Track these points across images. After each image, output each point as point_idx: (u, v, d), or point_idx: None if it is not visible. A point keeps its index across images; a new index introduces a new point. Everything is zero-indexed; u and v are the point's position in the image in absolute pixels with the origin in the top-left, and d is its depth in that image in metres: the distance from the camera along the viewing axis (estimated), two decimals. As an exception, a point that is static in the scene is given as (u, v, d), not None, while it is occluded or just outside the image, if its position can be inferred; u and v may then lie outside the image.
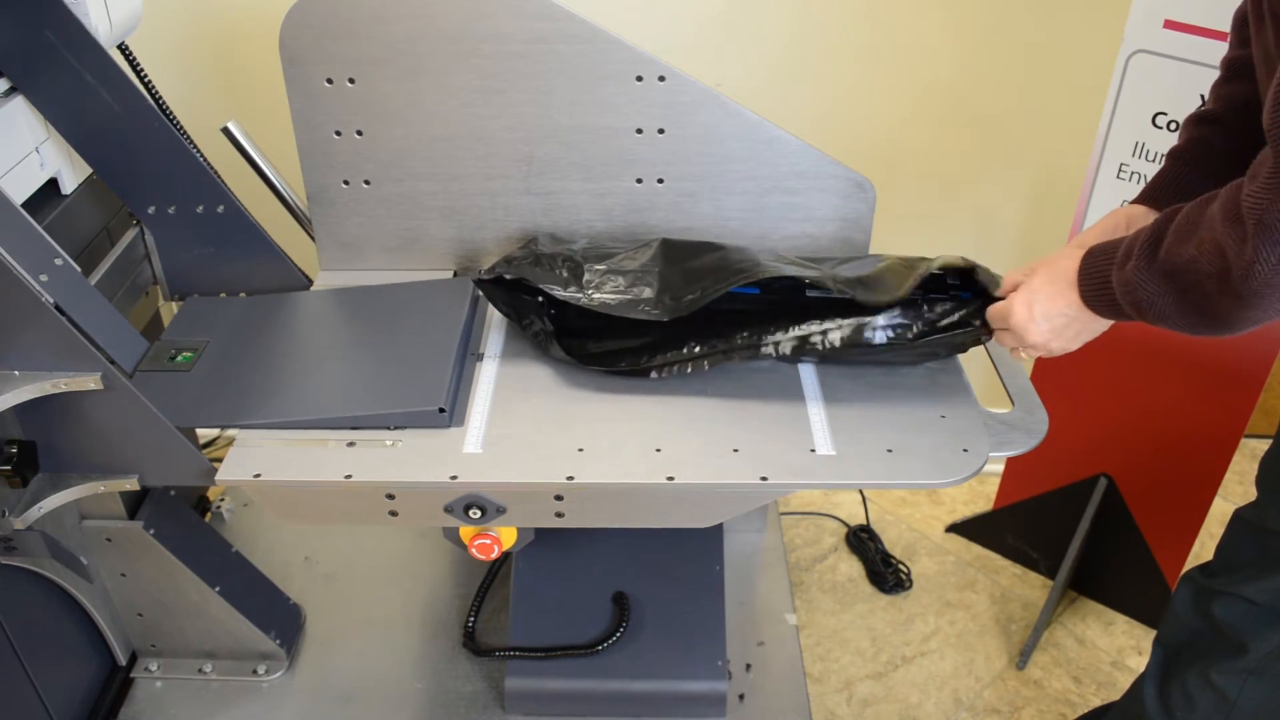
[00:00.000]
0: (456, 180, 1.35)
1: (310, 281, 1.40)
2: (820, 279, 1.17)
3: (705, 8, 1.69)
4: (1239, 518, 1.29)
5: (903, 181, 1.85)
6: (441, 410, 1.11)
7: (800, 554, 2.01)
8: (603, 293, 1.22)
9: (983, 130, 1.82)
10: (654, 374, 1.18)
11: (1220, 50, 1.14)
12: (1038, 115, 1.79)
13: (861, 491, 2.13)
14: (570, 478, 1.05)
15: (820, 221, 1.37)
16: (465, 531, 1.13)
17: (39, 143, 1.23)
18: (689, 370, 1.17)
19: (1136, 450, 1.74)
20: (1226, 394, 1.59)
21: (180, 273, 1.40)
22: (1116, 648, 1.83)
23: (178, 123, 1.37)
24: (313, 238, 1.41)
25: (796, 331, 1.16)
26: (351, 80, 1.28)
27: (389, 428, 1.11)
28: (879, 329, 1.14)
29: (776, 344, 1.15)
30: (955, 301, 1.15)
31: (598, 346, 1.22)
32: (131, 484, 1.10)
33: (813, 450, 1.09)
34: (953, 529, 2.07)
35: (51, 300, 1.05)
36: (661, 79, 1.27)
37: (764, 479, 1.05)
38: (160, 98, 1.38)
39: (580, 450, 1.09)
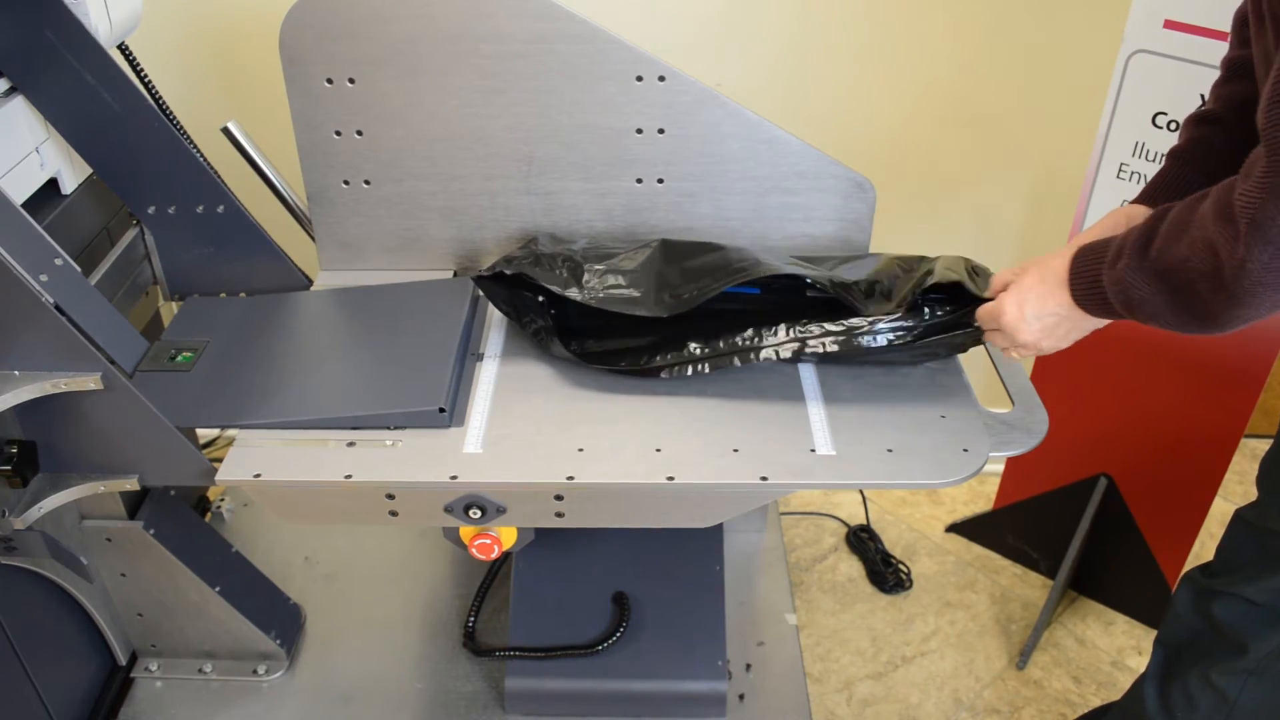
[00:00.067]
0: (456, 180, 1.35)
1: (310, 281, 1.40)
2: (818, 278, 1.17)
3: (705, 8, 1.69)
4: (1239, 518, 1.29)
5: (903, 181, 1.85)
6: (441, 410, 1.11)
7: (800, 554, 2.01)
8: (602, 291, 1.22)
9: (983, 130, 1.82)
10: (655, 374, 1.18)
11: (1220, 50, 1.14)
12: (1038, 115, 1.79)
13: (861, 491, 2.13)
14: (570, 478, 1.05)
15: (820, 221, 1.37)
16: (465, 531, 1.13)
17: (39, 143, 1.23)
18: (689, 372, 1.17)
19: (1136, 450, 1.74)
20: (1226, 394, 1.59)
21: (180, 273, 1.40)
22: (1116, 648, 1.83)
23: (178, 123, 1.37)
24: (313, 238, 1.41)
25: (797, 332, 1.16)
26: (351, 80, 1.28)
27: (389, 428, 1.11)
28: (879, 330, 1.14)
29: (777, 345, 1.15)
30: (955, 302, 1.15)
31: (598, 345, 1.22)
32: (131, 484, 1.10)
33: (813, 450, 1.09)
34: (953, 529, 2.07)
35: (51, 300, 1.05)
36: (661, 79, 1.27)
37: (764, 479, 1.05)
38: (160, 98, 1.38)
39: (580, 450, 1.09)
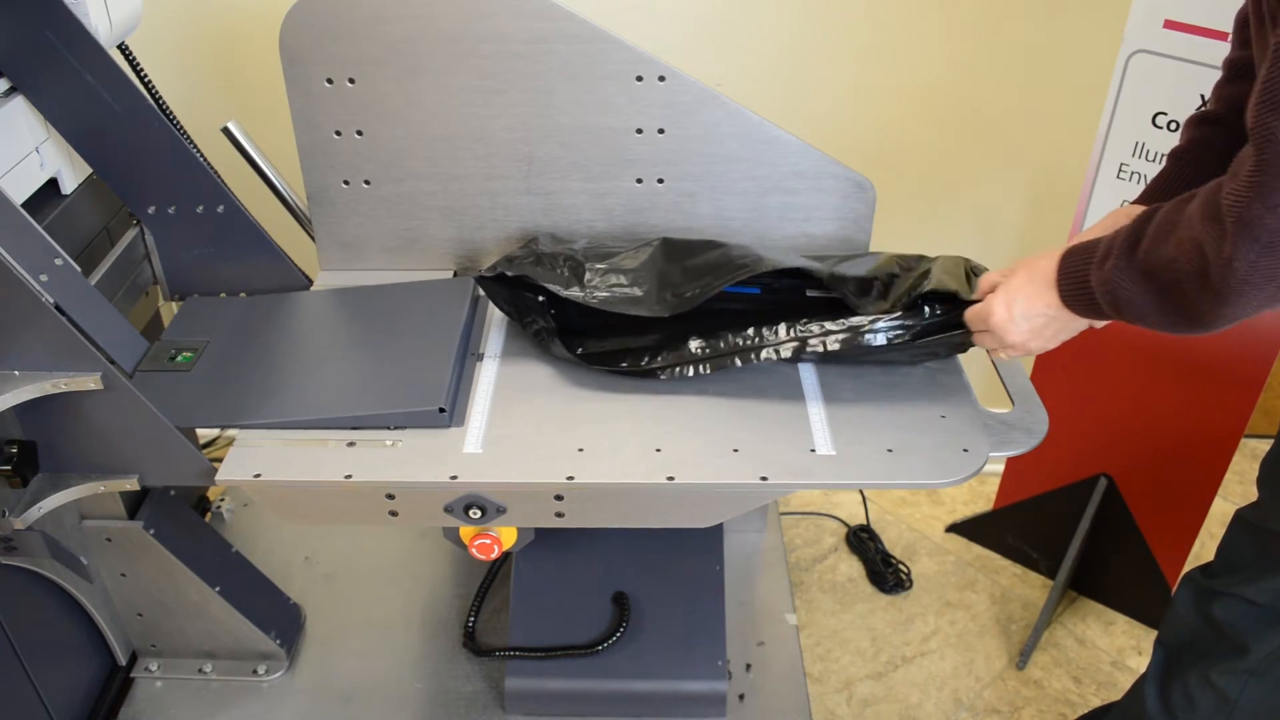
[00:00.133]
0: (456, 180, 1.35)
1: (310, 281, 1.40)
2: (820, 271, 1.17)
3: (705, 8, 1.69)
4: (1240, 518, 1.29)
5: (903, 181, 1.85)
6: (441, 410, 1.11)
7: (800, 554, 2.01)
8: (604, 290, 1.22)
9: (982, 130, 1.82)
10: (655, 374, 1.18)
11: (1220, 50, 1.14)
12: (1038, 115, 1.79)
13: (861, 491, 2.13)
14: (570, 478, 1.05)
15: (820, 221, 1.37)
16: (465, 531, 1.13)
17: (39, 143, 1.23)
18: (690, 373, 1.17)
19: (1136, 450, 1.74)
20: (1226, 394, 1.59)
21: (180, 273, 1.40)
22: (1116, 648, 1.83)
23: (178, 123, 1.37)
24: (313, 238, 1.41)
25: (797, 332, 1.16)
26: (351, 80, 1.28)
27: (389, 428, 1.11)
28: (879, 329, 1.14)
29: (778, 345, 1.15)
30: (954, 302, 1.15)
31: (599, 346, 1.22)
32: (131, 484, 1.10)
33: (813, 450, 1.09)
34: (953, 529, 2.07)
35: (51, 300, 1.05)
36: (661, 79, 1.27)
37: (764, 479, 1.05)
38: (160, 98, 1.38)
39: (580, 450, 1.09)
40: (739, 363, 1.16)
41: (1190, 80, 1.41)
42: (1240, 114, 1.07)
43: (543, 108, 1.29)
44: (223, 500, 1.67)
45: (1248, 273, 0.82)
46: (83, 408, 1.05)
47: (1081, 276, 0.97)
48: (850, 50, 1.74)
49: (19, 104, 1.21)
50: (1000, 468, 2.00)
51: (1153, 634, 1.79)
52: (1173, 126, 1.46)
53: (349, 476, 1.05)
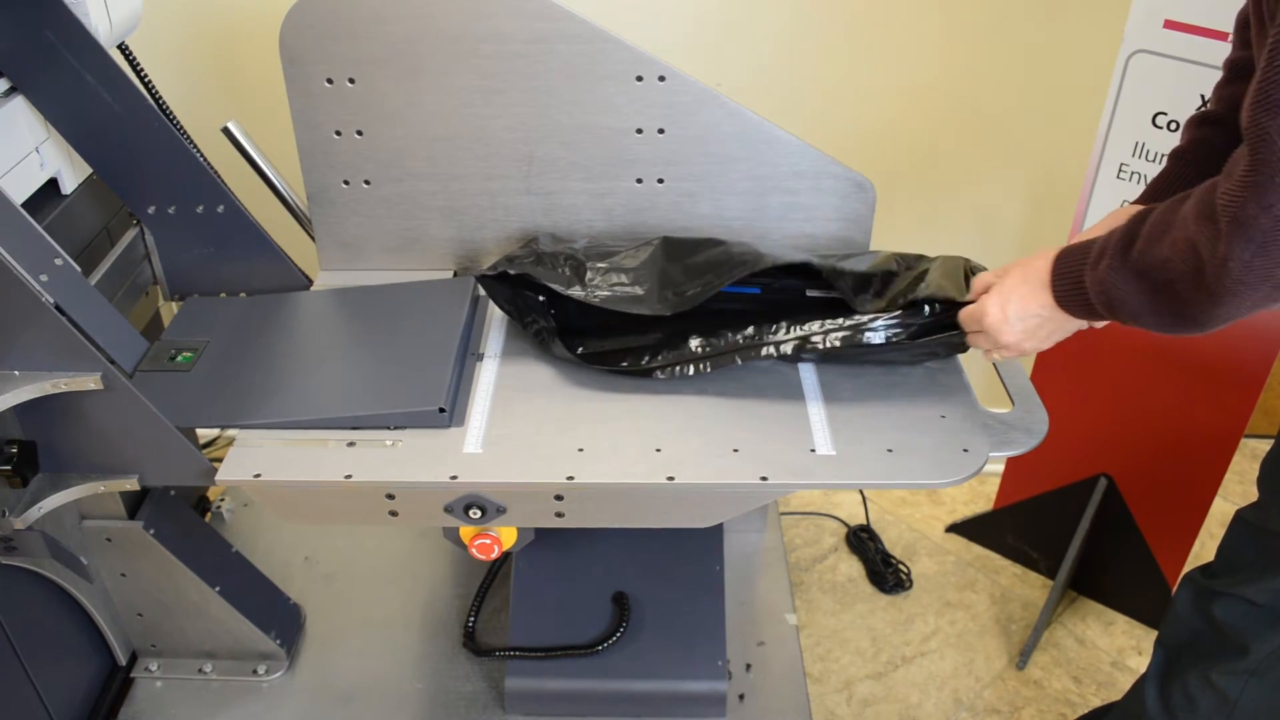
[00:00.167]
0: (456, 180, 1.35)
1: (310, 281, 1.40)
2: (820, 265, 1.17)
3: (705, 8, 1.69)
4: (1240, 518, 1.29)
5: (903, 181, 1.85)
6: (441, 410, 1.11)
7: (800, 554, 2.01)
8: (605, 289, 1.22)
9: (982, 130, 1.82)
10: (655, 374, 1.18)
11: (1220, 50, 1.14)
12: (1038, 115, 1.79)
13: (861, 491, 2.13)
14: (570, 478, 1.05)
15: (820, 221, 1.37)
16: (465, 531, 1.13)
17: (39, 143, 1.23)
18: (690, 371, 1.17)
19: (1136, 450, 1.74)
20: (1226, 394, 1.59)
21: (180, 273, 1.40)
22: (1116, 648, 1.83)
23: (178, 123, 1.37)
24: (313, 238, 1.41)
25: (797, 331, 1.16)
26: (351, 80, 1.28)
27: (389, 428, 1.11)
28: (879, 329, 1.14)
29: (777, 344, 1.15)
30: (953, 302, 1.15)
31: (599, 345, 1.22)
32: (131, 484, 1.10)
33: (813, 450, 1.09)
34: (953, 529, 2.07)
35: (51, 300, 1.05)
36: (661, 79, 1.27)
37: (764, 479, 1.05)
38: (160, 98, 1.38)
39: (580, 450, 1.09)
40: (739, 360, 1.16)
41: (1190, 80, 1.41)
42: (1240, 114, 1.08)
43: (543, 108, 1.29)
44: (223, 500, 1.67)
45: (1242, 273, 0.82)
46: (83, 408, 1.05)
47: (1076, 277, 0.97)
48: (850, 50, 1.74)
49: (19, 104, 1.21)
50: (1000, 468, 2.00)
51: (1153, 634, 1.80)
52: (1173, 126, 1.46)
53: (349, 476, 1.05)
